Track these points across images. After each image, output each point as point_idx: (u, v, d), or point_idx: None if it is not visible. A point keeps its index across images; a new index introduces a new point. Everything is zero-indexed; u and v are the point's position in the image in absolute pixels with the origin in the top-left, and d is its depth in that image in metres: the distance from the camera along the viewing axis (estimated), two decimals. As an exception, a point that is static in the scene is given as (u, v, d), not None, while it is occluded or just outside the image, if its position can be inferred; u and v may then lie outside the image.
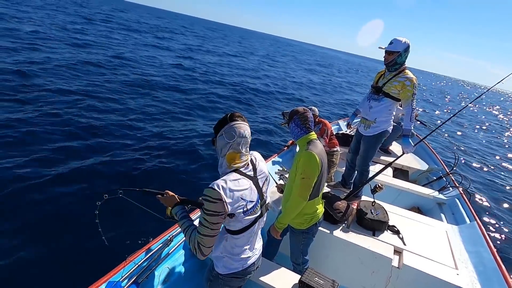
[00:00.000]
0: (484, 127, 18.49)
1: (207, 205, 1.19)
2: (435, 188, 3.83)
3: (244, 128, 1.30)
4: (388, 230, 2.53)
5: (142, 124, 6.59)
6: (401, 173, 4.60)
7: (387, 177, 3.83)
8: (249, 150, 1.42)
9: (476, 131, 16.67)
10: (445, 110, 22.68)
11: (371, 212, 2.55)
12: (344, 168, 3.41)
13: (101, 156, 4.90)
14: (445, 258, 2.27)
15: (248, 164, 1.38)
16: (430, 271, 2.09)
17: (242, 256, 1.40)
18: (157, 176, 4.71)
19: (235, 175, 1.29)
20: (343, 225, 2.50)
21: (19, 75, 7.85)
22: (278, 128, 8.61)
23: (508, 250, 4.69)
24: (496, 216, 5.81)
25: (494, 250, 2.29)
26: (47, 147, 4.80)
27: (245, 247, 1.41)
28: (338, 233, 2.39)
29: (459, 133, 14.78)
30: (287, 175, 3.25)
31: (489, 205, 6.24)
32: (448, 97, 37.38)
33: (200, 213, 1.23)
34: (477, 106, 32.11)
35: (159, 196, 1.43)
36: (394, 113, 2.84)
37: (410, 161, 4.66)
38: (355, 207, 2.69)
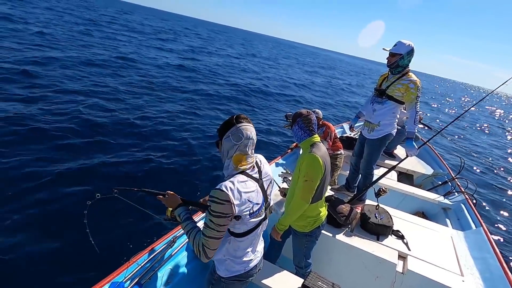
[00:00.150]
0: (487, 131, 18.34)
1: (214, 207, 1.18)
2: (440, 193, 3.79)
3: (250, 130, 1.30)
4: (393, 235, 2.50)
5: (143, 125, 6.64)
6: (405, 177, 4.56)
7: (391, 181, 3.80)
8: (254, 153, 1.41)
9: (480, 134, 16.52)
10: (451, 111, 22.55)
11: (375, 217, 2.52)
12: (348, 171, 3.39)
13: (103, 155, 4.94)
14: (450, 264, 2.23)
15: (254, 167, 1.38)
16: (435, 277, 2.06)
17: (245, 258, 1.39)
18: (157, 176, 4.74)
19: (242, 177, 1.28)
20: (347, 229, 2.48)
21: (24, 75, 7.96)
22: (280, 129, 8.61)
23: (515, 257, 4.63)
24: (503, 222, 5.73)
25: (501, 256, 2.25)
26: (51, 146, 4.86)
27: (248, 250, 1.40)
28: (341, 237, 2.37)
29: (462, 136, 14.66)
30: (290, 178, 3.23)
31: (495, 211, 6.16)
32: (451, 100, 37.12)
33: (205, 215, 1.22)
34: (479, 109, 31.88)
35: (160, 196, 1.40)
36: (398, 116, 2.82)
37: (415, 165, 4.62)
38: (359, 211, 2.67)
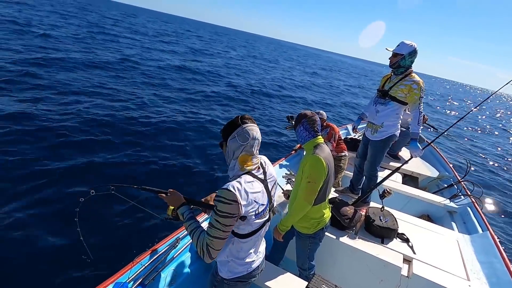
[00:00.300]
0: (496, 132, 18.14)
1: (221, 207, 1.17)
2: (446, 196, 3.75)
3: (255, 130, 1.30)
4: (398, 238, 2.47)
5: (145, 124, 6.71)
6: (410, 179, 4.52)
7: (396, 184, 3.77)
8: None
9: (486, 136, 16.33)
10: (454, 113, 22.32)
11: (380, 219, 2.50)
12: (352, 173, 3.37)
13: (104, 154, 5.02)
14: (456, 269, 2.20)
15: (259, 167, 1.37)
16: (441, 281, 2.03)
17: (247, 260, 1.38)
18: (157, 175, 4.79)
19: (249, 177, 1.28)
20: (351, 231, 2.46)
21: (29, 76, 8.08)
22: (281, 130, 8.61)
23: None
24: (510, 226, 5.64)
25: (508, 261, 2.21)
26: (53, 144, 4.94)
27: (251, 251, 1.39)
28: (345, 239, 2.35)
29: (467, 138, 14.51)
30: (294, 179, 3.22)
31: (502, 214, 6.07)
32: (455, 102, 36.82)
33: (211, 215, 1.22)
34: (483, 110, 31.56)
35: (162, 195, 1.38)
36: (401, 116, 2.79)
37: (420, 167, 4.58)
38: (363, 213, 2.65)
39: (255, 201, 1.26)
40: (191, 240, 2.03)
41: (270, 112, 10.67)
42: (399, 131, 2.84)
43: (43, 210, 3.48)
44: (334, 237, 2.36)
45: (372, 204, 2.97)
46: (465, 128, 17.68)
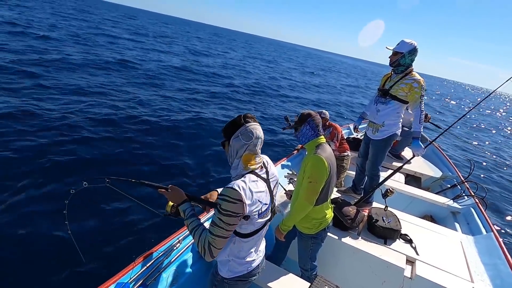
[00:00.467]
0: (494, 130, 18.03)
1: (225, 205, 1.16)
2: (449, 196, 3.72)
3: (259, 129, 1.30)
4: (401, 239, 2.46)
5: (145, 123, 6.76)
6: (413, 180, 4.49)
7: (399, 184, 3.75)
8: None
9: (489, 135, 16.21)
10: (455, 113, 22.19)
11: (383, 220, 2.48)
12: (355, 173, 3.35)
13: (103, 151, 5.08)
14: (460, 270, 2.18)
15: (262, 167, 1.37)
16: (445, 283, 2.01)
17: (248, 259, 1.38)
18: (157, 172, 4.82)
19: (253, 177, 1.28)
20: (353, 232, 2.45)
21: (29, 76, 8.15)
22: (280, 131, 8.59)
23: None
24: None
25: None
26: (55, 141, 4.99)
27: (251, 250, 1.39)
28: (348, 240, 2.34)
29: (471, 139, 14.41)
30: (296, 179, 3.21)
31: (506, 216, 6.02)
32: (453, 101, 36.65)
33: (214, 213, 1.21)
34: (486, 109, 31.37)
35: (163, 190, 1.35)
36: (402, 115, 2.77)
37: (423, 167, 4.55)
38: (365, 213, 2.63)
39: (259, 201, 1.26)
40: (192, 240, 2.03)
41: (270, 112, 10.66)
42: (400, 130, 2.83)
43: (38, 206, 3.48)
44: (336, 237, 2.35)
45: (374, 204, 2.95)
46: (469, 127, 17.57)
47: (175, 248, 1.87)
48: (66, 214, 1.33)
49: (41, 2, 38.39)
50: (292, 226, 1.99)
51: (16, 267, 2.70)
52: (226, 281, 1.40)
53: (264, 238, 1.53)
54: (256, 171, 1.31)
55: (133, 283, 1.55)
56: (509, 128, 21.41)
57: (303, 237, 2.07)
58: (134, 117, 6.89)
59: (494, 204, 6.38)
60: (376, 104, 2.82)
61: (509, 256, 2.26)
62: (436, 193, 3.83)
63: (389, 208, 2.67)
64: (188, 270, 1.91)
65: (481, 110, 30.83)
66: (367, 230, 2.51)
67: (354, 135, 5.25)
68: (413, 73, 2.60)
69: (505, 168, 9.95)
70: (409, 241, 2.43)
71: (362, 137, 4.50)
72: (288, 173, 3.39)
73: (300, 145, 4.26)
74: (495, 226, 2.84)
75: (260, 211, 1.28)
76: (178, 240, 1.92)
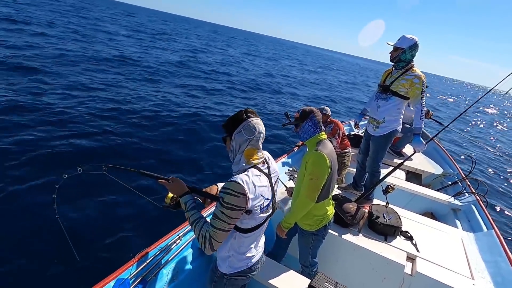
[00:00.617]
0: (497, 128, 17.97)
1: (228, 199, 1.16)
2: (450, 193, 3.71)
3: (261, 124, 1.30)
4: (401, 236, 2.45)
5: (143, 117, 6.77)
6: (414, 176, 4.48)
7: (399, 181, 3.74)
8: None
9: (491, 133, 16.17)
10: (454, 111, 22.12)
11: (384, 217, 2.47)
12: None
13: (100, 143, 5.11)
14: (460, 267, 2.18)
15: (264, 162, 1.37)
16: (445, 280, 2.01)
17: (248, 254, 1.38)
18: (153, 167, 4.84)
19: (256, 171, 1.28)
20: (354, 228, 2.44)
21: (30, 71, 8.14)
22: (279, 127, 8.58)
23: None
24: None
25: None
26: (55, 135, 5.00)
27: (251, 246, 1.39)
28: (348, 236, 2.33)
29: (472, 136, 14.37)
30: (297, 175, 3.20)
31: (507, 213, 6.01)
32: (450, 99, 36.56)
33: (216, 206, 1.20)
34: (486, 107, 31.30)
35: (163, 181, 1.34)
36: (403, 111, 2.76)
37: (424, 164, 4.53)
38: (366, 210, 2.62)
39: (261, 195, 1.26)
40: (193, 236, 2.02)
41: (269, 108, 10.64)
42: (401, 126, 2.81)
43: (34, 196, 3.49)
44: (337, 234, 2.34)
45: (375, 201, 2.95)
46: (470, 124, 17.52)
47: (175, 244, 1.87)
48: (55, 198, 1.30)
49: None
50: (293, 223, 1.98)
51: (11, 262, 2.68)
52: (226, 277, 1.40)
53: (264, 234, 1.53)
54: (259, 166, 1.31)
55: (133, 279, 1.55)
56: (505, 125, 21.36)
57: (304, 234, 2.06)
58: (133, 112, 6.90)
59: (495, 201, 6.37)
60: (376, 100, 2.80)
61: (509, 253, 2.25)
62: (437, 190, 3.82)
63: (389, 205, 2.67)
64: (188, 266, 1.90)
65: (481, 108, 30.72)
66: (368, 227, 2.50)
67: (355, 131, 5.23)
68: (414, 68, 2.58)
69: (506, 167, 9.93)
70: (410, 238, 2.42)
71: (363, 133, 4.49)
72: (288, 170, 3.38)
73: (301, 142, 4.25)
74: (496, 222, 2.84)
75: (262, 206, 1.28)
76: (178, 236, 1.92)
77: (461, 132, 13.50)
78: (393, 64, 2.71)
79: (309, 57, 63.78)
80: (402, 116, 2.77)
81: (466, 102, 34.93)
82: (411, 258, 2.24)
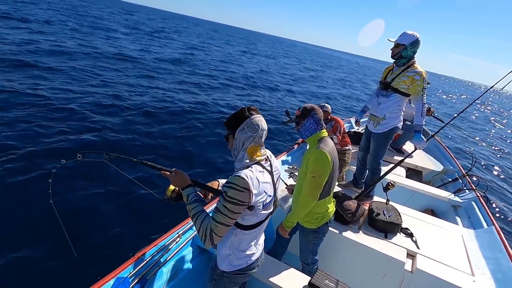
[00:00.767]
0: (498, 126, 17.97)
1: (232, 193, 1.15)
2: (450, 190, 3.70)
3: (263, 121, 1.30)
4: (401, 233, 2.45)
5: (143, 113, 6.81)
6: (414, 173, 4.47)
7: (400, 178, 3.73)
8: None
9: (491, 130, 16.16)
10: (454, 110, 22.13)
11: (384, 214, 2.47)
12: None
13: (101, 135, 5.18)
14: (461, 264, 2.18)
15: (266, 159, 1.36)
16: (445, 276, 2.01)
17: (248, 252, 1.38)
18: (155, 158, 4.89)
19: (259, 167, 1.27)
20: (354, 226, 2.43)
21: (29, 67, 8.12)
22: (279, 125, 8.58)
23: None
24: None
25: None
26: (56, 130, 5.03)
27: (251, 243, 1.39)
28: (349, 234, 2.33)
29: (473, 134, 14.37)
30: (297, 173, 3.19)
31: (508, 209, 6.02)
32: (450, 96, 36.50)
33: (219, 200, 1.20)
34: (488, 106, 31.28)
35: (166, 173, 1.33)
36: (404, 108, 2.74)
37: (424, 161, 4.52)
38: (366, 207, 2.61)
39: (264, 191, 1.26)
40: (192, 235, 2.02)
41: (268, 105, 10.62)
42: (402, 123, 2.80)
43: (32, 187, 3.49)
44: (337, 231, 2.33)
45: (375, 198, 2.94)
46: (470, 122, 17.51)
47: (174, 243, 1.86)
48: (51, 183, 1.27)
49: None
50: (296, 222, 1.97)
51: (7, 257, 2.65)
52: (226, 275, 1.39)
53: (263, 232, 1.52)
54: (261, 162, 1.31)
55: (132, 277, 1.54)
56: (505, 121, 21.36)
57: (305, 232, 2.05)
58: (132, 108, 6.92)
59: (495, 198, 6.38)
60: (377, 97, 2.79)
61: (510, 250, 2.25)
62: (437, 187, 3.81)
63: (390, 202, 2.66)
64: (188, 265, 1.90)
65: (481, 106, 30.70)
66: (368, 224, 2.49)
67: (355, 128, 5.21)
68: (415, 65, 2.56)
69: (506, 163, 9.93)
70: (410, 235, 2.42)
71: (363, 130, 4.48)
72: (288, 167, 3.37)
73: (301, 139, 4.23)
74: (496, 219, 2.83)
75: (264, 203, 1.28)
76: (177, 234, 1.91)
77: (460, 129, 13.49)
78: (394, 61, 2.69)
79: (307, 55, 63.69)
80: (402, 113, 2.76)
81: (466, 100, 34.92)
82: (411, 255, 2.23)
